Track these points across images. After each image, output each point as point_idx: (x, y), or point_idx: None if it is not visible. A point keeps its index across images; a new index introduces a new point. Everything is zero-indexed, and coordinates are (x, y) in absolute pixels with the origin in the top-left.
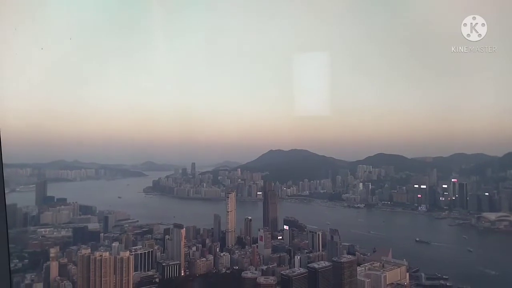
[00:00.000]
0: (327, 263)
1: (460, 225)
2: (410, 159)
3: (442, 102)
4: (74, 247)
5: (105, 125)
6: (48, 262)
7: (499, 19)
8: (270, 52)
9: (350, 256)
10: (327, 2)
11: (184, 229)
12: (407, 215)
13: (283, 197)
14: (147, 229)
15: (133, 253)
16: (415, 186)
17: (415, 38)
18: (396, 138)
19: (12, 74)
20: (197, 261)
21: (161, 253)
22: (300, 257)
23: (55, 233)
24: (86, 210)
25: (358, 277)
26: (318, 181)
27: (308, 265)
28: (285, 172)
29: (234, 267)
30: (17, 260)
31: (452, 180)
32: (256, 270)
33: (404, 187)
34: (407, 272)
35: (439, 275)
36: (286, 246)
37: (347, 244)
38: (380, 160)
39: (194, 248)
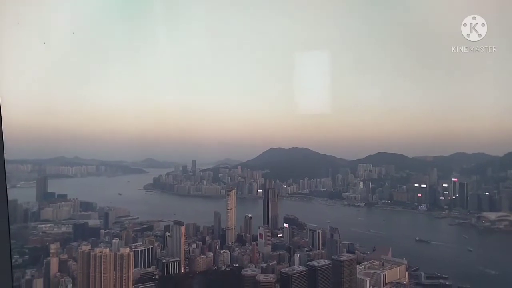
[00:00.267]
0: (326, 261)
1: (460, 225)
2: (410, 158)
3: (442, 102)
4: (75, 243)
5: (106, 122)
6: (48, 258)
7: (499, 19)
8: (272, 50)
9: (350, 254)
10: (328, 1)
11: (184, 226)
12: (407, 214)
13: (283, 195)
14: (147, 226)
15: (133, 249)
16: (416, 185)
17: (416, 38)
18: (396, 137)
19: (14, 70)
20: (197, 258)
21: (161, 250)
22: (299, 255)
23: (55, 229)
24: (86, 206)
25: (357, 276)
26: (319, 180)
27: (308, 263)
28: (285, 170)
29: (234, 265)
30: (18, 256)
31: (453, 179)
32: (255, 267)
33: (405, 186)
34: (407, 271)
35: (439, 274)
36: (286, 244)
37: (347, 242)
38: (381, 159)
39: (194, 245)
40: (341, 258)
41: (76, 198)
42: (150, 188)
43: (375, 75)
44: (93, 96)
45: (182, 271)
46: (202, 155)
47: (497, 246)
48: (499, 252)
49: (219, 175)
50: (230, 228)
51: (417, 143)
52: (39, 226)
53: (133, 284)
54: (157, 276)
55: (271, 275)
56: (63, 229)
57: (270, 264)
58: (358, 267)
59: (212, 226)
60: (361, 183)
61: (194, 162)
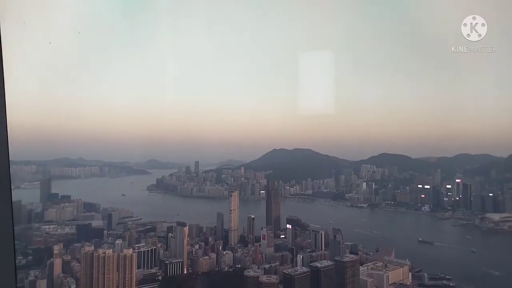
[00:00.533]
0: (329, 262)
1: (463, 226)
2: (414, 159)
3: (445, 102)
4: (78, 244)
5: (109, 123)
6: (51, 259)
7: (499, 19)
8: (274, 51)
9: (353, 255)
10: (330, 1)
11: (187, 227)
12: (410, 215)
13: (286, 196)
14: (150, 226)
15: (136, 250)
16: (419, 186)
17: (416, 38)
18: (400, 138)
19: (18, 70)
20: (200, 259)
21: (164, 251)
22: (302, 256)
23: (59, 230)
24: (90, 207)
25: (360, 277)
26: (322, 181)
27: (311, 264)
28: (288, 171)
29: (237, 266)
30: (21, 257)
31: (456, 180)
32: (258, 268)
33: (408, 187)
34: (410, 272)
35: (442, 275)
36: (289, 245)
37: (349, 243)
38: (384, 160)
39: (197, 246)
40: (344, 259)
41: (80, 199)
42: (153, 189)
43: (377, 75)
44: (97, 97)
45: (185, 272)
46: (205, 156)
47: (501, 247)
48: (503, 253)
49: (222, 176)
50: (233, 229)
51: (421, 144)
52: (42, 227)
53: (136, 285)
54: (160, 277)
55: (273, 276)
56: (67, 230)
57: (273, 265)
58: (361, 268)
59: (215, 227)
60: (364, 184)
61: (197, 163)
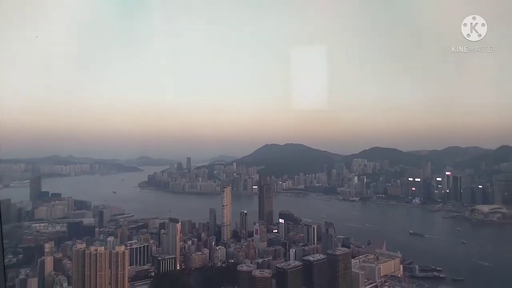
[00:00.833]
0: (322, 256)
1: (454, 218)
2: (405, 153)
3: (437, 97)
4: (69, 242)
5: (99, 120)
6: (43, 257)
7: (499, 19)
8: (267, 47)
9: (345, 248)
10: None
11: (180, 223)
12: (401, 208)
13: (279, 191)
14: (142, 223)
15: (128, 247)
16: (410, 179)
17: (414, 36)
18: (391, 131)
19: (7, 69)
20: (193, 255)
21: (156, 247)
22: (295, 250)
23: (49, 228)
24: (81, 205)
25: (352, 269)
26: (314, 175)
27: (303, 258)
28: (280, 166)
29: (230, 261)
30: (12, 255)
31: (446, 173)
32: (251, 263)
33: (399, 180)
34: (401, 264)
35: (433, 267)
36: (282, 240)
37: (342, 237)
38: (375, 153)
39: (189, 242)
40: (336, 253)
41: (70, 197)
42: (145, 186)
43: (371, 71)
44: (87, 94)
45: (178, 268)
46: (197, 152)
47: (490, 238)
48: (492, 244)
49: (214, 172)
50: (225, 224)
51: (412, 138)
52: (33, 225)
53: (128, 282)
54: (152, 274)
55: (266, 271)
56: (58, 228)
57: (265, 259)
58: (353, 261)
59: (208, 222)
60: (355, 178)
61: (189, 159)
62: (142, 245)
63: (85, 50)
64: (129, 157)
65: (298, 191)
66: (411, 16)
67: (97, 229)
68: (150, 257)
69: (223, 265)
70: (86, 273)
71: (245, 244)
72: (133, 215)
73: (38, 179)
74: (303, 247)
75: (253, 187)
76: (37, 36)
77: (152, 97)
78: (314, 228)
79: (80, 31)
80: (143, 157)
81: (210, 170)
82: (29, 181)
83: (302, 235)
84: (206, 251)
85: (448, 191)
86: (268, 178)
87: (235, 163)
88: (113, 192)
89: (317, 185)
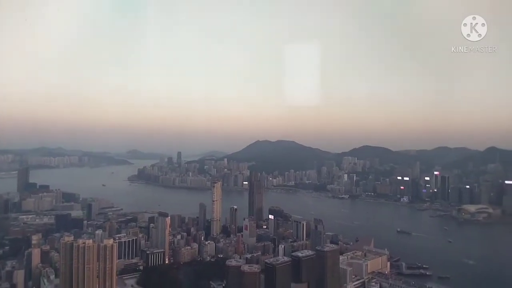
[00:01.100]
0: (310, 252)
1: (441, 217)
2: (394, 152)
3: (427, 95)
4: (57, 234)
5: (89, 112)
6: (30, 249)
7: (499, 19)
8: (260, 44)
9: (333, 245)
10: None
11: (169, 217)
12: (390, 206)
13: (269, 187)
14: (131, 217)
15: (117, 240)
16: (399, 178)
17: (410, 35)
18: (381, 131)
19: None
20: (182, 249)
21: (145, 241)
22: (284, 246)
23: (37, 220)
24: (69, 197)
25: (340, 266)
26: (304, 172)
27: (292, 253)
28: (271, 163)
29: (219, 256)
30: None
31: (435, 172)
32: (240, 258)
33: (388, 179)
34: (388, 261)
35: (419, 264)
36: (271, 235)
37: (330, 233)
38: (365, 152)
39: (179, 237)
40: (325, 249)
41: (59, 189)
42: (135, 179)
43: (363, 70)
44: (77, 85)
45: (167, 262)
46: (188, 147)
47: (476, 237)
48: (477, 243)
49: (205, 167)
50: (215, 219)
51: (402, 137)
52: (20, 217)
53: (117, 275)
54: (141, 267)
55: (255, 266)
56: (45, 220)
57: (254, 254)
58: (341, 257)
59: (197, 217)
60: (345, 175)
61: (179, 153)
62: (130, 239)
63: (75, 42)
64: (119, 150)
65: (288, 187)
66: (411, 16)
67: (85, 221)
68: (139, 250)
69: (212, 259)
70: (74, 265)
71: (234, 239)
72: (122, 209)
73: (26, 171)
74: (292, 243)
75: (244, 183)
76: (26, 20)
77: (143, 90)
78: (303, 224)
79: (71, 22)
80: (133, 151)
81: (200, 165)
82: (16, 172)
83: (291, 231)
84: (195, 245)
85: (436, 190)
86: (259, 174)
87: (226, 159)
88: (102, 185)
89: (307, 182)
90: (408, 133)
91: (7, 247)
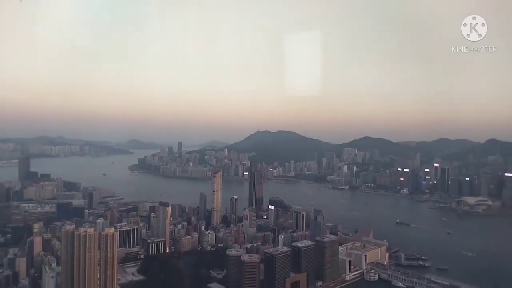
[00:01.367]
0: (310, 243)
1: (440, 208)
2: (394, 143)
3: (428, 89)
4: (58, 223)
5: (90, 101)
6: (31, 237)
7: (499, 19)
8: (261, 34)
9: (333, 236)
10: None
11: (170, 207)
12: (389, 198)
13: (269, 177)
14: (132, 206)
15: (118, 229)
16: (399, 169)
17: (411, 32)
18: (382, 122)
19: None
20: (182, 238)
21: (146, 230)
22: (284, 236)
23: (38, 208)
24: (70, 186)
25: (339, 256)
26: (304, 163)
27: (292, 244)
28: (272, 153)
29: (219, 245)
30: (0, 235)
31: (435, 164)
32: (240, 248)
33: (388, 171)
34: (387, 252)
35: (418, 255)
36: (271, 226)
37: (330, 224)
38: (366, 143)
39: (179, 226)
40: (324, 239)
41: (60, 178)
42: (135, 169)
43: (366, 62)
44: (78, 74)
45: (167, 251)
46: (189, 137)
47: (474, 229)
48: (476, 235)
49: (206, 157)
50: (215, 209)
51: (402, 129)
52: (22, 205)
53: (118, 264)
54: (142, 256)
55: (255, 255)
56: (47, 208)
57: (254, 244)
58: (340, 248)
59: (198, 207)
60: (345, 166)
61: (180, 143)
62: (131, 228)
63: (76, 32)
64: (120, 140)
65: (289, 178)
66: (410, 16)
67: (86, 210)
68: (140, 239)
69: (212, 249)
70: (75, 254)
71: (234, 229)
72: (123, 198)
73: (27, 159)
74: (291, 233)
75: (244, 173)
76: (21, 0)
77: (144, 80)
78: (303, 215)
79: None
80: (134, 140)
81: (201, 155)
82: (18, 161)
83: (291, 221)
84: (196, 235)
85: (435, 182)
86: (259, 164)
87: (226, 149)
88: (103, 174)
89: (307, 173)
90: (408, 124)
91: (9, 235)
